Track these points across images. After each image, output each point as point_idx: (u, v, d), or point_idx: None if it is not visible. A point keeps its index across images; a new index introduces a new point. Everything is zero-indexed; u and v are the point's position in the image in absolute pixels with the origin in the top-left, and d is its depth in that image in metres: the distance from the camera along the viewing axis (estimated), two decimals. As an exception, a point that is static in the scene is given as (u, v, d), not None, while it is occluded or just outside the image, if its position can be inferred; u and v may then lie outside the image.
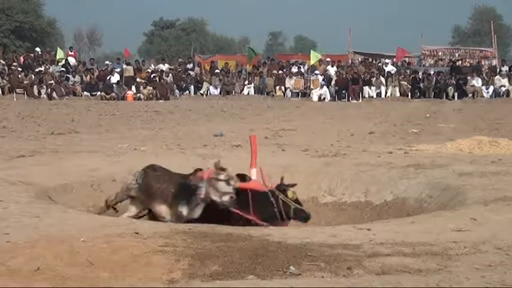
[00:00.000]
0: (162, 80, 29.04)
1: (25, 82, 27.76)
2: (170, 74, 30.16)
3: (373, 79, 28.76)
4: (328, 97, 28.03)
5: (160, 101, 26.40)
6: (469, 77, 28.66)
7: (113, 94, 27.17)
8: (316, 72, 29.24)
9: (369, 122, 15.90)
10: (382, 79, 28.90)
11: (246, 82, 30.29)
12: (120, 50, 40.85)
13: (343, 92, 28.19)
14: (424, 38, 34.69)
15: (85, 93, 28.13)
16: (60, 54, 31.01)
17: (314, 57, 30.22)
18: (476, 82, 28.47)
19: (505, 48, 56.81)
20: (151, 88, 27.72)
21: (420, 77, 29.29)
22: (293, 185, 5.53)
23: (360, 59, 32.79)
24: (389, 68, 30.34)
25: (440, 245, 4.08)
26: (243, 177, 5.47)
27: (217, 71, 30.62)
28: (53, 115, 18.24)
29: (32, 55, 32.40)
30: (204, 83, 30.14)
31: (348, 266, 3.62)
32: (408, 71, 30.28)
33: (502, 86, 28.51)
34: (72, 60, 31.67)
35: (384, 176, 7.31)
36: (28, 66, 29.78)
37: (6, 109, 20.42)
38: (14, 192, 5.88)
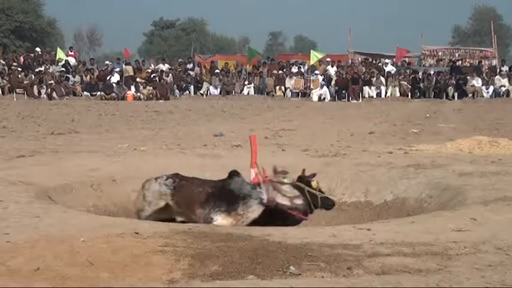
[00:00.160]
0: (162, 80, 29.05)
1: (25, 82, 27.77)
2: (170, 74, 30.17)
3: (373, 79, 28.77)
4: (328, 97, 28.04)
5: (160, 101, 26.41)
6: (469, 77, 28.68)
7: (113, 94, 27.19)
8: (316, 72, 29.25)
9: (369, 122, 15.90)
10: (382, 79, 28.91)
11: (246, 82, 30.30)
12: (120, 50, 40.87)
13: (343, 92, 28.20)
14: (424, 38, 34.76)
15: (85, 93, 28.14)
16: (60, 54, 31.01)
17: (314, 57, 30.23)
18: (476, 82, 28.49)
19: (505, 48, 56.86)
20: (151, 88, 27.73)
21: (420, 77, 29.31)
22: (314, 175, 5.52)
23: (360, 59, 32.80)
24: (389, 68, 30.35)
25: (440, 245, 4.07)
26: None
27: (217, 71, 30.63)
28: (53, 115, 18.25)
29: (32, 55, 32.42)
30: (204, 83, 30.15)
31: (348, 266, 3.62)
32: (408, 71, 30.30)
33: (502, 86, 28.52)
34: (72, 60, 31.68)
35: (384, 176, 7.31)
36: (28, 66, 29.80)
37: (6, 109, 20.42)
38: (14, 192, 5.87)
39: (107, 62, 33.02)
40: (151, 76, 29.18)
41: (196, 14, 77.34)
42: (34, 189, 6.13)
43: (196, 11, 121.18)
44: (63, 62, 30.41)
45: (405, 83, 28.99)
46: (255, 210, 5.12)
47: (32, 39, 47.91)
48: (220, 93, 29.63)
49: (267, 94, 29.39)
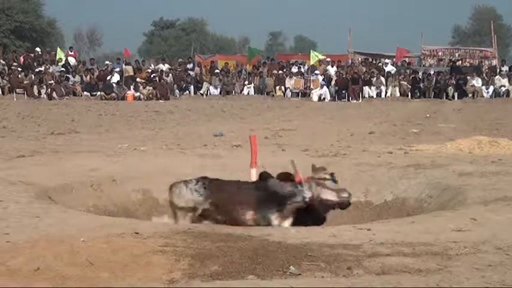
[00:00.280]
0: (162, 80, 29.06)
1: (25, 82, 27.78)
2: (170, 74, 30.19)
3: (373, 79, 28.78)
4: (328, 97, 28.04)
5: (160, 101, 26.41)
6: (469, 77, 28.70)
7: (113, 94, 27.20)
8: (316, 72, 29.27)
9: (369, 122, 15.90)
10: (382, 79, 28.92)
11: (246, 82, 30.32)
12: (120, 50, 40.94)
13: (343, 92, 28.22)
14: (424, 38, 34.83)
15: (85, 93, 28.16)
16: (60, 54, 31.03)
17: (314, 57, 30.24)
18: (476, 82, 28.50)
19: (505, 48, 56.92)
20: (151, 88, 27.74)
21: (420, 77, 29.33)
22: (324, 169, 5.51)
23: (360, 59, 32.82)
24: (389, 68, 30.37)
25: (440, 245, 4.07)
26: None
27: (217, 71, 30.65)
28: (53, 115, 18.25)
29: (32, 55, 32.45)
30: (204, 83, 30.17)
31: (348, 266, 3.62)
32: (408, 71, 30.31)
33: (502, 86, 28.54)
34: (72, 60, 31.70)
35: (384, 176, 7.30)
36: (28, 66, 29.81)
37: (6, 109, 20.43)
38: (14, 192, 5.87)
39: (107, 62, 33.04)
40: (151, 76, 29.20)
41: (196, 14, 77.54)
42: (34, 189, 6.13)
43: (196, 11, 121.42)
44: (63, 62, 30.42)
45: (405, 83, 28.99)
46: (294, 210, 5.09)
47: (32, 39, 47.94)
48: (220, 93, 29.63)
49: (267, 94, 29.39)
